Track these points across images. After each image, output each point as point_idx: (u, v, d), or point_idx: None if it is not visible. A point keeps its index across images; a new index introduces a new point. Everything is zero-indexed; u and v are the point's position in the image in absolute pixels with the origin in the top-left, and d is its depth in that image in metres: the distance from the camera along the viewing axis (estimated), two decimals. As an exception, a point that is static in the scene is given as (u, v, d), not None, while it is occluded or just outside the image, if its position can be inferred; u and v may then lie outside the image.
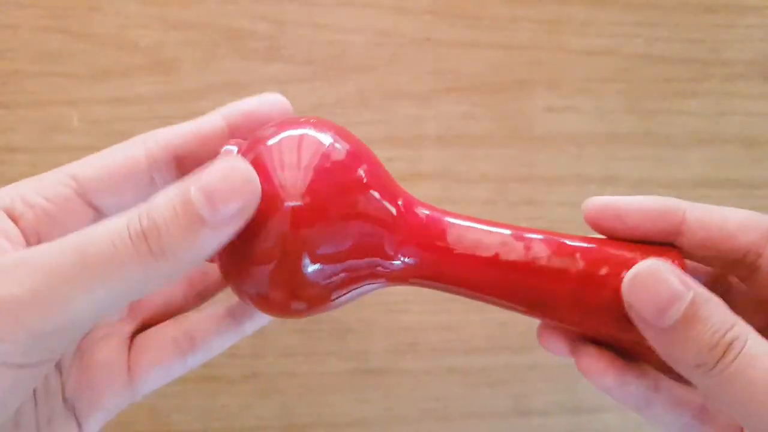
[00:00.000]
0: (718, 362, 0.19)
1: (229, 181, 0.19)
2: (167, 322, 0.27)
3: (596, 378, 0.23)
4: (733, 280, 0.25)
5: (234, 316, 0.27)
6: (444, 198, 0.40)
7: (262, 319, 0.27)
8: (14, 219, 0.22)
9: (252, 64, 0.37)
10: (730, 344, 0.19)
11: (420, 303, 0.40)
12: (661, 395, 0.23)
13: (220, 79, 0.37)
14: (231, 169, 0.19)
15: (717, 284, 0.25)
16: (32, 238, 0.22)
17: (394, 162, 0.39)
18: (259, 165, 0.21)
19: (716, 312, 0.20)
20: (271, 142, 0.22)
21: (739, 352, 0.19)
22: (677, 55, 0.39)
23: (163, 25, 0.37)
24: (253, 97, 0.26)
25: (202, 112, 0.38)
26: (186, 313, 0.27)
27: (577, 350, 0.23)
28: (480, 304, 0.24)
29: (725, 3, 0.39)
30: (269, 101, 0.26)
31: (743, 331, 0.20)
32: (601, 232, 0.23)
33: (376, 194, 0.22)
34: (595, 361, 0.23)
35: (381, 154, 0.39)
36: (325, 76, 0.38)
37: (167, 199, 0.19)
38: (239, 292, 0.23)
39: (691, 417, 0.24)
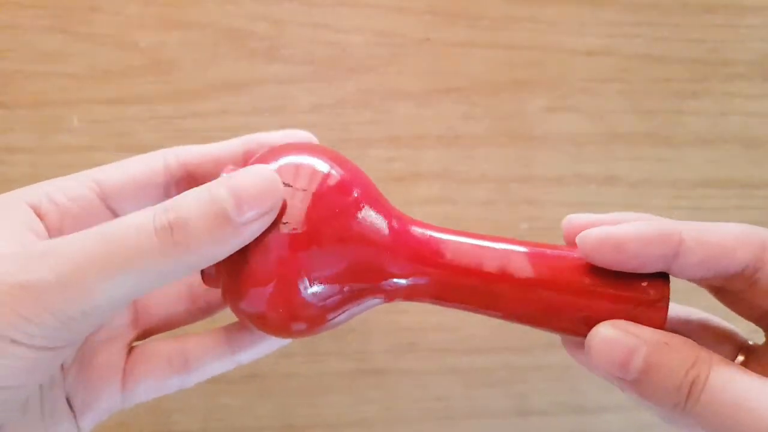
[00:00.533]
0: (687, 400, 0.21)
1: (258, 186, 0.21)
2: (168, 338, 0.28)
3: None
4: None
5: (231, 345, 0.27)
6: (444, 198, 0.40)
7: (258, 351, 0.27)
8: (40, 215, 0.24)
9: (252, 64, 0.37)
10: (692, 382, 0.21)
11: (420, 303, 0.40)
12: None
13: (220, 79, 0.37)
14: (259, 175, 0.21)
15: (719, 294, 0.26)
16: (55, 234, 0.24)
17: (394, 162, 0.39)
18: None
19: (674, 355, 0.21)
20: (270, 167, 0.23)
21: (703, 387, 0.21)
22: (677, 55, 0.39)
23: (163, 25, 0.37)
24: (279, 131, 0.27)
25: (203, 113, 0.38)
26: (187, 333, 0.28)
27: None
28: None
29: (725, 3, 0.39)
30: (295, 137, 0.27)
31: (704, 366, 0.21)
32: (599, 264, 0.23)
33: (371, 217, 0.23)
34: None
35: (381, 154, 0.39)
36: (325, 76, 0.38)
37: (196, 196, 0.20)
38: (239, 313, 0.24)
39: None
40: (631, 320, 0.23)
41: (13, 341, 0.19)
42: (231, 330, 0.27)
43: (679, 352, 0.21)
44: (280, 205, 0.22)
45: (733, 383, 0.21)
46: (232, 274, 0.23)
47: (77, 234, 0.20)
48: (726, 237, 0.23)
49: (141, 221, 0.20)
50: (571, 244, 0.24)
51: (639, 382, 0.21)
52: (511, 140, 0.40)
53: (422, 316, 0.41)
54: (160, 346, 0.27)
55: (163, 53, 0.37)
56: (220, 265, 0.23)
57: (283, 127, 0.38)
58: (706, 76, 0.40)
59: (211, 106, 0.38)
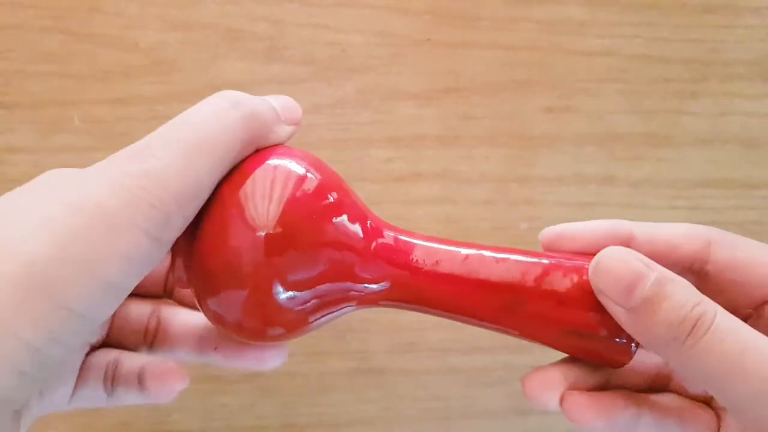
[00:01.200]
0: (688, 337, 0.21)
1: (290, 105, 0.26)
2: (127, 352, 0.28)
3: (587, 422, 0.24)
4: None
5: (144, 384, 0.27)
6: (444, 198, 0.40)
7: (172, 391, 0.27)
8: None
9: (252, 64, 0.37)
10: (698, 319, 0.20)
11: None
12: (645, 415, 0.24)
13: (220, 80, 0.37)
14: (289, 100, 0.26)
15: None
16: None
17: (394, 162, 0.39)
18: (233, 193, 0.22)
19: (681, 290, 0.21)
20: (244, 170, 0.23)
21: (709, 327, 0.20)
22: (677, 56, 0.39)
23: (164, 25, 0.37)
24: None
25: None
26: (142, 353, 0.28)
27: (565, 399, 0.24)
28: None
29: (725, 3, 0.39)
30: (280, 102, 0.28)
31: (710, 307, 0.21)
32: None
33: (346, 221, 0.24)
34: (585, 407, 0.23)
35: (381, 154, 0.39)
36: (325, 76, 0.38)
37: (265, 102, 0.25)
38: (212, 316, 0.24)
39: (675, 423, 0.24)
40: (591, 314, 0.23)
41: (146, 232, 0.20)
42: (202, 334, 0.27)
43: (686, 289, 0.21)
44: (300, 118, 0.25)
45: (740, 329, 0.21)
46: (204, 278, 0.23)
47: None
48: (674, 233, 0.24)
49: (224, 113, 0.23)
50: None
51: (639, 310, 0.21)
52: (511, 140, 0.40)
53: (422, 316, 0.41)
54: (108, 355, 0.27)
55: (163, 53, 0.37)
56: (191, 269, 0.23)
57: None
58: (705, 77, 0.40)
59: (212, 106, 0.38)
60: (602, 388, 0.25)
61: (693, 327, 0.20)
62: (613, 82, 0.39)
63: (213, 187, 0.22)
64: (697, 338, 0.20)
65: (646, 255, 0.23)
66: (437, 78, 0.39)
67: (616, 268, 0.22)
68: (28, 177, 0.22)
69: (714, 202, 0.41)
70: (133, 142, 0.22)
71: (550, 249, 0.25)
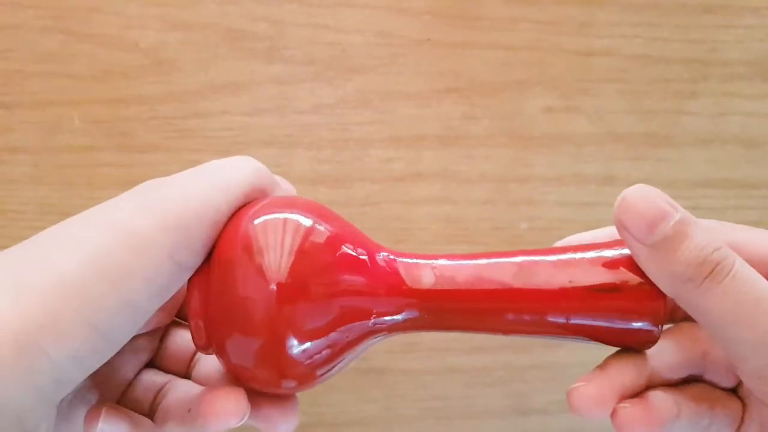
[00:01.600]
0: (705, 279, 0.21)
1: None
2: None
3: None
4: None
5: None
6: (444, 198, 0.40)
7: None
8: None
9: (252, 65, 0.37)
10: (718, 263, 0.21)
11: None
12: (684, 410, 0.24)
13: (220, 80, 0.37)
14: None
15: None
16: None
17: (394, 162, 0.39)
18: (246, 245, 0.22)
19: (704, 233, 0.21)
20: (257, 222, 0.23)
21: (729, 273, 0.21)
22: (677, 56, 0.39)
23: (164, 25, 0.37)
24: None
25: (203, 113, 0.38)
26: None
27: (618, 414, 0.23)
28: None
29: (724, 3, 0.39)
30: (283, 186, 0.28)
31: (730, 253, 0.21)
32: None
33: (357, 266, 0.24)
34: (638, 421, 0.23)
35: (381, 154, 0.39)
36: (325, 76, 0.38)
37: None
38: (228, 367, 0.24)
39: (707, 413, 0.25)
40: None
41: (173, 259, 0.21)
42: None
43: (709, 232, 0.21)
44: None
45: (757, 280, 0.21)
46: (220, 330, 0.23)
47: None
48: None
49: None
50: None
51: (661, 247, 0.21)
52: (511, 140, 0.40)
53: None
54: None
55: (163, 53, 0.37)
56: (208, 324, 0.23)
57: (282, 127, 0.38)
58: (705, 77, 0.40)
59: (211, 106, 0.38)
60: (644, 388, 0.25)
61: (712, 270, 0.21)
62: (613, 82, 0.39)
63: (229, 215, 0.23)
64: (715, 282, 0.20)
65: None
66: (437, 78, 0.39)
67: (640, 205, 0.22)
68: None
69: (714, 202, 0.41)
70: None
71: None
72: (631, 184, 0.21)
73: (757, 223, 0.42)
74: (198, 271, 0.23)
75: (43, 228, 0.22)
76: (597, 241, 0.25)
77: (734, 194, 0.41)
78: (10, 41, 0.36)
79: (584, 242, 0.25)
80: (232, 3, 0.37)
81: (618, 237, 0.23)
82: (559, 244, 0.26)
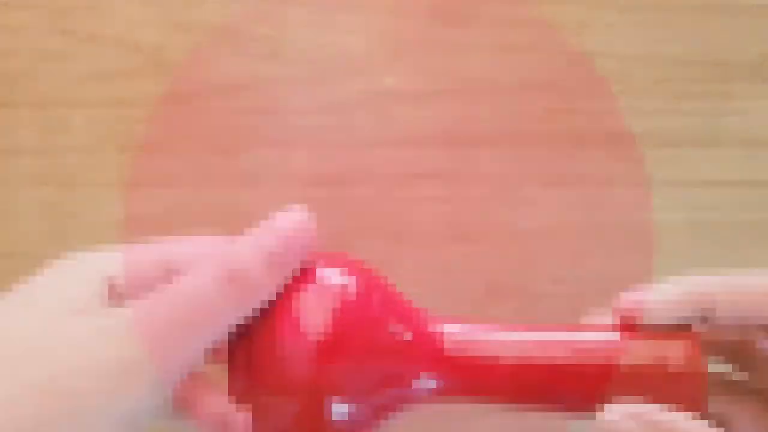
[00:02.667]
0: None
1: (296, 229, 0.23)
2: None
3: None
4: (760, 345, 0.26)
5: None
6: (444, 198, 0.40)
7: None
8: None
9: (252, 64, 0.37)
10: None
11: (420, 303, 0.40)
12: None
13: (220, 79, 0.37)
14: (297, 219, 0.23)
15: (741, 352, 0.26)
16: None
17: (395, 162, 0.39)
18: (288, 305, 0.23)
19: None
20: (299, 284, 0.23)
21: None
22: (677, 56, 0.39)
23: (164, 26, 0.37)
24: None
25: (203, 113, 0.38)
26: None
27: None
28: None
29: (725, 3, 0.39)
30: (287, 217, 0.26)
31: None
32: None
33: (398, 329, 0.24)
34: None
35: (381, 154, 0.39)
36: (325, 76, 0.38)
37: (248, 245, 0.22)
38: (262, 425, 0.24)
39: None
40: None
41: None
42: None
43: None
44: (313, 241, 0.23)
45: None
46: (258, 387, 0.23)
47: (153, 303, 0.22)
48: (757, 289, 0.24)
49: (202, 283, 0.22)
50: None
51: None
52: (511, 140, 0.40)
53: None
54: None
55: (164, 54, 0.37)
56: (249, 382, 0.23)
57: (283, 127, 0.38)
58: (705, 77, 0.40)
59: (211, 106, 0.38)
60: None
61: None
62: (613, 82, 0.39)
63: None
64: None
65: (727, 318, 0.23)
66: (437, 78, 0.39)
67: None
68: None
69: (713, 201, 0.41)
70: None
71: (623, 319, 0.24)
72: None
73: (757, 223, 0.42)
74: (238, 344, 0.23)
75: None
76: (666, 311, 0.24)
77: (735, 194, 0.41)
78: (11, 41, 0.36)
79: (653, 312, 0.24)
80: (232, 3, 0.37)
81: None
82: (627, 301, 0.25)
